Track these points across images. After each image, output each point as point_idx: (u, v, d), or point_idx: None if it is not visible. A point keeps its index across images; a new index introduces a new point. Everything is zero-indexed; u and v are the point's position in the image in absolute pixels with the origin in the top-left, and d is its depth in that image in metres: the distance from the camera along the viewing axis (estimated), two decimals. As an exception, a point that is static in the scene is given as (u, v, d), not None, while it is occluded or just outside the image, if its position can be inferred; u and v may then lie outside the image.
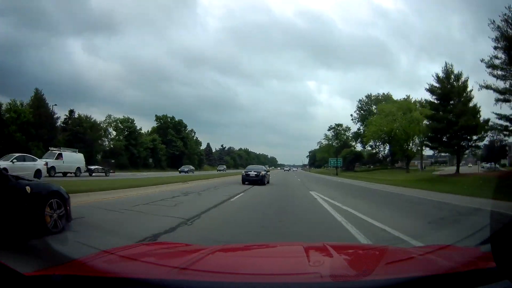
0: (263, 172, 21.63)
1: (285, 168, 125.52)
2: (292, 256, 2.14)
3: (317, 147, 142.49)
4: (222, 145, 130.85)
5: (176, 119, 78.50)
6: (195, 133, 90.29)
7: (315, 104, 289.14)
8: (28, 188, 4.81)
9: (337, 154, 74.34)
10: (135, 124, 62.51)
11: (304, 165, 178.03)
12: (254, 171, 21.67)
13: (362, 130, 74.29)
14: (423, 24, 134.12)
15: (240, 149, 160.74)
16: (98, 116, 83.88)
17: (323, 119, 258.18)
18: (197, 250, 2.08)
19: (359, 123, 77.65)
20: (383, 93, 79.17)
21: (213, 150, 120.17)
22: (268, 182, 21.91)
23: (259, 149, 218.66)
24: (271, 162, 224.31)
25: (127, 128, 60.61)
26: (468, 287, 1.29)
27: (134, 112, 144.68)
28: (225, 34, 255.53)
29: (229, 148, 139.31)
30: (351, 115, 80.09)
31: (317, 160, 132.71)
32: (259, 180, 20.48)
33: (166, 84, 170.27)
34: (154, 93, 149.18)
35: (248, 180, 20.74)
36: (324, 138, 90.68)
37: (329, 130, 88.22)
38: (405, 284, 1.28)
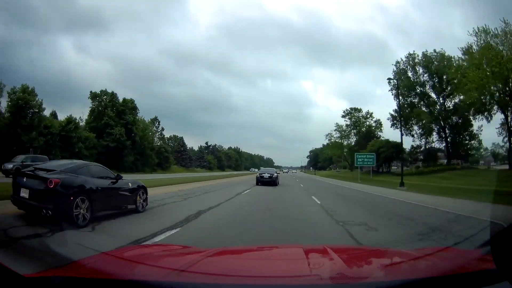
0: (275, 175, 23.51)
1: (284, 170, 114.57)
2: (292, 259, 2.13)
3: (319, 146, 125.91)
4: (206, 143, 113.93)
5: (127, 99, 52.18)
6: (158, 122, 68.01)
7: (311, 105, 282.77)
8: (129, 184, 8.14)
9: (359, 148, 54.62)
10: (38, 99, 38.15)
11: (302, 167, 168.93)
12: (267, 173, 23.39)
13: (397, 109, 46.22)
14: (423, 20, 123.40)
15: (230, 148, 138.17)
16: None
17: (319, 121, 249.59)
18: (196, 252, 2.07)
19: (397, 99, 46.05)
20: (435, 51, 45.84)
21: (196, 149, 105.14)
22: (278, 184, 23.29)
23: (255, 152, 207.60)
24: (268, 164, 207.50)
25: (20, 100, 36.01)
26: None
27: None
28: (217, 31, 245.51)
29: (214, 146, 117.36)
30: (390, 85, 46.13)
31: (319, 160, 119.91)
32: (272, 182, 22.20)
33: (158, 84, 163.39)
34: (146, 93, 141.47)
35: (261, 181, 22.37)
36: (335, 129, 66.29)
37: (343, 116, 65.49)
38: (405, 286, 1.28)
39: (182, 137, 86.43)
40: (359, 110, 65.86)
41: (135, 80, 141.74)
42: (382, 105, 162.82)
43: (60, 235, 5.15)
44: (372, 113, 64.48)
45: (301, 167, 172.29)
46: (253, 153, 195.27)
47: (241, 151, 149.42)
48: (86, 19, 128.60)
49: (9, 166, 20.39)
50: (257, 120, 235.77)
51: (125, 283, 1.32)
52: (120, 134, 46.88)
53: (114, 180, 7.48)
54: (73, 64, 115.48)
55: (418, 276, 1.42)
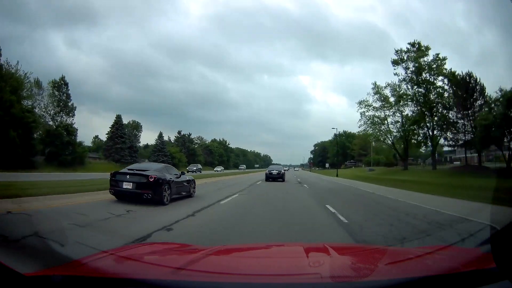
0: (282, 171, 27.33)
1: (284, 168, 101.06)
2: (292, 257, 2.13)
3: (326, 139, 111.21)
4: (179, 132, 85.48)
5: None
6: (63, 84, 39.71)
7: (310, 101, 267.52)
8: (187, 177, 11.70)
9: (406, 138, 38.75)
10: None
11: (302, 165, 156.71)
12: (275, 170, 26.84)
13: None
14: (425, 10, 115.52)
15: (214, 141, 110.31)
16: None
17: (318, 117, 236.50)
18: (196, 251, 2.08)
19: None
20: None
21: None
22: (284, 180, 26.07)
23: (254, 149, 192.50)
24: (264, 161, 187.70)
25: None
26: (469, 287, 1.29)
27: (122, 110, 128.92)
28: (210, 22, 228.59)
29: (188, 136, 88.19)
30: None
31: (329, 156, 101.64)
32: (280, 178, 25.73)
33: (152, 79, 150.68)
34: (141, 89, 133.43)
35: (271, 177, 25.56)
36: (365, 106, 41.91)
37: (373, 90, 41.41)
38: (406, 285, 1.28)
39: (120, 116, 57.26)
40: (423, 50, 36.22)
41: (129, 76, 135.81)
42: None
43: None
44: (445, 59, 35.75)
45: (301, 165, 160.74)
46: (248, 149, 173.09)
47: (229, 145, 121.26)
48: (76, 13, 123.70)
49: None
50: (255, 116, 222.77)
51: (125, 282, 1.32)
52: None
53: (179, 176, 10.86)
54: (65, 60, 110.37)
55: (419, 274, 1.42)
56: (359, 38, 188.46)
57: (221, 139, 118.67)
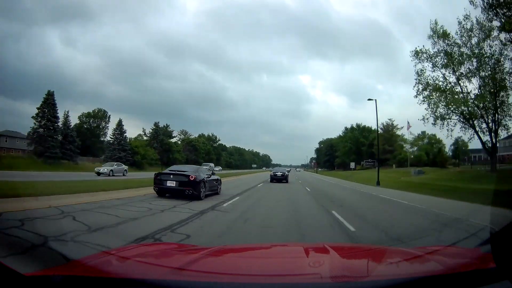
0: (286, 173, 28.83)
1: (287, 170, 71.32)
2: (292, 257, 2.14)
3: (332, 137, 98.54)
4: (156, 123, 70.34)
5: None
6: None
7: (310, 101, 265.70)
8: (215, 177, 13.77)
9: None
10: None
11: (303, 165, 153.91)
12: (280, 172, 28.35)
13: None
14: (428, 7, 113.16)
15: (201, 136, 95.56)
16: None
17: (318, 118, 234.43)
18: (196, 251, 2.08)
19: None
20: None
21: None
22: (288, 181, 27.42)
23: (254, 149, 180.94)
24: (263, 160, 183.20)
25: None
26: (469, 287, 1.29)
27: (120, 110, 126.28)
28: (206, 18, 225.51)
29: (165, 127, 75.34)
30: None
31: (337, 155, 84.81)
32: (284, 179, 27.21)
33: (150, 78, 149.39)
34: (138, 89, 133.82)
35: (275, 178, 27.20)
36: (427, 59, 27.45)
37: (433, 34, 26.72)
38: (406, 285, 1.28)
39: (51, 92, 42.39)
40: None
41: (126, 75, 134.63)
42: (383, 102, 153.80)
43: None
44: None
45: (302, 165, 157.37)
46: (246, 148, 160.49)
47: (219, 141, 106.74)
48: (71, 9, 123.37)
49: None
50: (254, 117, 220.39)
51: (125, 282, 1.32)
52: None
53: (209, 175, 12.88)
54: (62, 58, 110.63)
55: (419, 274, 1.42)
56: (360, 36, 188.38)
57: (211, 134, 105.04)
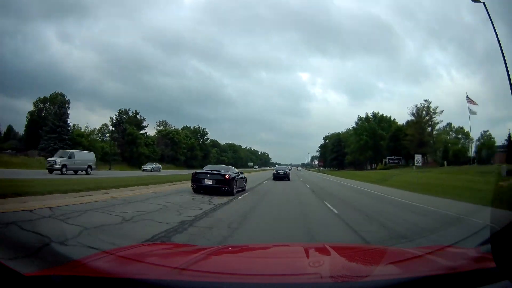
0: (288, 171, 30.56)
1: (289, 169, 61.01)
2: (292, 257, 2.14)
3: (339, 131, 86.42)
4: (121, 110, 60.10)
5: None
6: None
7: (310, 99, 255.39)
8: (242, 175, 15.18)
9: None
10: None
11: (303, 164, 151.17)
12: (282, 171, 29.96)
13: None
14: (430, 2, 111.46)
15: (184, 129, 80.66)
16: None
17: (318, 116, 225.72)
18: (197, 251, 2.08)
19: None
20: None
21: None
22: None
23: (253, 148, 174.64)
24: (261, 159, 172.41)
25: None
26: (469, 287, 1.29)
27: (119, 107, 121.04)
28: (203, 13, 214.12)
29: (137, 115, 62.75)
30: None
31: (347, 151, 72.73)
32: (286, 177, 28.69)
33: (147, 75, 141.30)
34: (136, 85, 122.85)
35: (277, 176, 28.69)
36: None
37: None
38: (406, 285, 1.28)
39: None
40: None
41: (123, 71, 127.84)
42: (384, 99, 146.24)
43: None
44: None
45: (302, 164, 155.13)
46: (244, 146, 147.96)
47: (206, 134, 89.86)
48: (65, 3, 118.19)
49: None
50: (253, 114, 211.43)
51: (125, 282, 1.32)
52: None
53: (238, 174, 14.22)
54: (59, 54, 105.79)
55: (419, 274, 1.42)
56: (361, 31, 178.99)
57: (197, 127, 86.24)
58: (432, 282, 1.30)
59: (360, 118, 71.75)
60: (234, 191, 12.63)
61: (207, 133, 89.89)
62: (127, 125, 56.72)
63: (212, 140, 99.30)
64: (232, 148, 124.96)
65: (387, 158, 57.93)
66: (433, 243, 5.05)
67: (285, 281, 1.45)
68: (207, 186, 12.26)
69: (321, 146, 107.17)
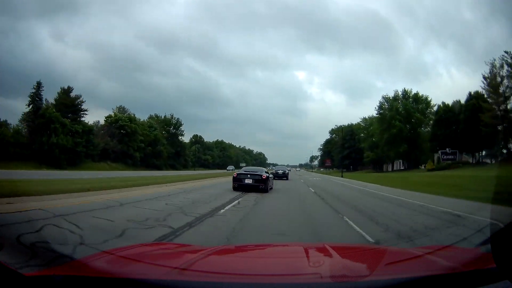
0: (287, 171, 33.12)
1: (288, 169, 52.87)
2: (292, 257, 2.13)
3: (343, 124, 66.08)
4: (38, 83, 40.81)
5: None
6: None
7: (307, 99, 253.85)
8: (271, 175, 18.11)
9: None
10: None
11: (301, 165, 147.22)
12: (281, 170, 31.95)
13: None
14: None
15: (153, 117, 66.73)
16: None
17: (315, 116, 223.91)
18: (197, 251, 2.08)
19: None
20: None
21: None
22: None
23: (251, 148, 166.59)
24: (257, 159, 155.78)
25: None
26: (469, 287, 1.30)
27: (114, 107, 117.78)
28: (197, 10, 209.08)
29: (80, 100, 45.30)
30: None
31: (361, 146, 58.82)
32: (285, 177, 30.60)
33: (142, 74, 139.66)
34: (131, 85, 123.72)
35: (277, 176, 29.54)
36: None
37: None
38: (406, 285, 1.28)
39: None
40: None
41: (118, 71, 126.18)
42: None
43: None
44: None
45: (300, 165, 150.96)
46: (237, 145, 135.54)
47: (180, 127, 69.96)
48: (58, 1, 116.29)
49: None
50: (250, 115, 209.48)
51: (125, 282, 1.32)
52: None
53: (268, 174, 15.75)
54: (52, 54, 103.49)
55: (419, 274, 1.42)
56: (360, 28, 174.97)
57: (169, 116, 67.96)
58: (432, 282, 1.30)
59: (386, 98, 49.71)
60: (268, 188, 14.75)
61: (181, 124, 69.55)
62: (46, 104, 40.54)
63: (195, 136, 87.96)
64: (220, 146, 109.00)
65: (439, 152, 40.31)
66: None
67: (285, 281, 1.45)
68: (248, 184, 14.28)
69: (326, 142, 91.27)
